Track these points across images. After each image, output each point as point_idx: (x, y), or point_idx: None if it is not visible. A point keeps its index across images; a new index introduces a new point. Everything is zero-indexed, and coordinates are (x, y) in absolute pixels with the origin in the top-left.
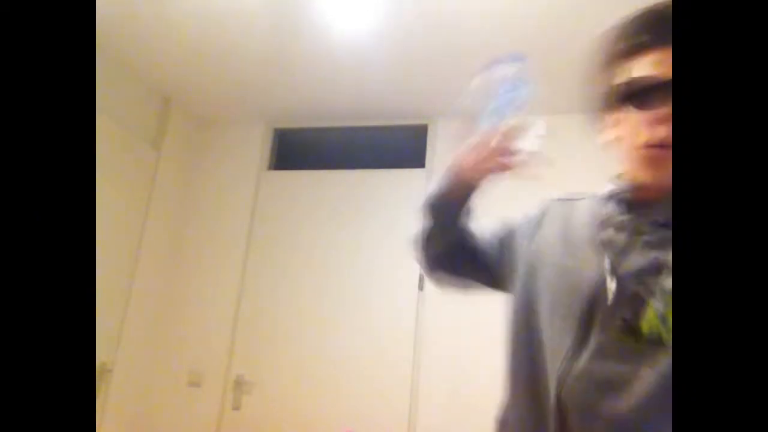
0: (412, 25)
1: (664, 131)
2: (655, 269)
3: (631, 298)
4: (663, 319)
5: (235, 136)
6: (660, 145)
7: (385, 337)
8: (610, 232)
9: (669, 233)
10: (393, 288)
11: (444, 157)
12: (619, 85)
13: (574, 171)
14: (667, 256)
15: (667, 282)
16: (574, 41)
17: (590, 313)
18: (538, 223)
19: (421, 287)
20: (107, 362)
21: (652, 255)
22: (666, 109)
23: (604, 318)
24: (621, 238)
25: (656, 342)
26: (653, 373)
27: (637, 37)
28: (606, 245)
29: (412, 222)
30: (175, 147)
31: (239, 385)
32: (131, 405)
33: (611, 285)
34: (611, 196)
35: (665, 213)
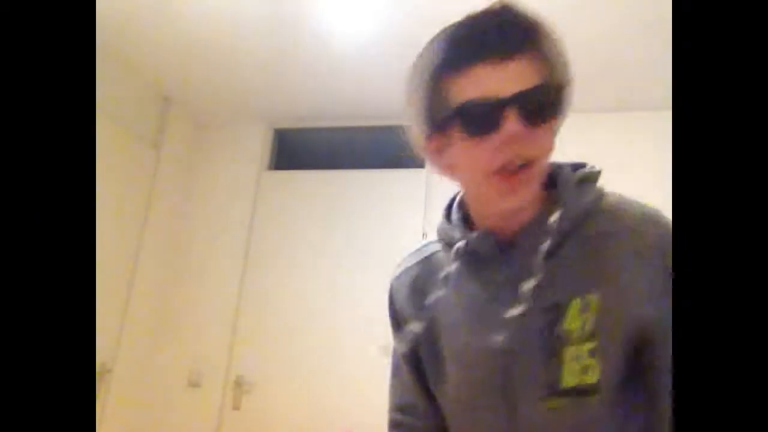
0: (411, 24)
1: (510, 154)
2: (557, 314)
3: (542, 355)
4: (584, 369)
5: (235, 136)
6: (511, 170)
7: (385, 337)
8: (488, 292)
9: (550, 265)
10: None
11: None
12: (443, 110)
13: None
14: (563, 294)
15: (573, 324)
16: (574, 41)
17: (505, 386)
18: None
19: None
20: (107, 362)
21: (548, 300)
22: (505, 131)
23: (521, 387)
24: (504, 293)
25: (588, 392)
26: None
27: (457, 52)
28: (490, 306)
29: (412, 222)
30: (175, 147)
31: (239, 385)
32: (131, 405)
33: (515, 348)
34: (468, 250)
35: (532, 242)
